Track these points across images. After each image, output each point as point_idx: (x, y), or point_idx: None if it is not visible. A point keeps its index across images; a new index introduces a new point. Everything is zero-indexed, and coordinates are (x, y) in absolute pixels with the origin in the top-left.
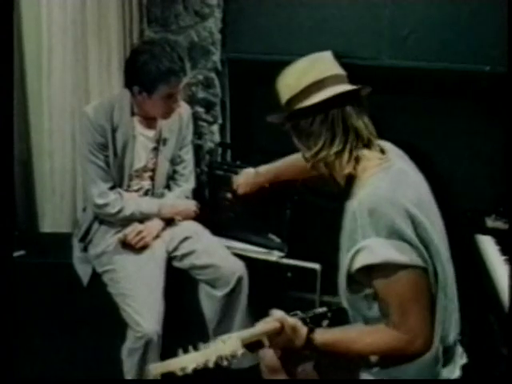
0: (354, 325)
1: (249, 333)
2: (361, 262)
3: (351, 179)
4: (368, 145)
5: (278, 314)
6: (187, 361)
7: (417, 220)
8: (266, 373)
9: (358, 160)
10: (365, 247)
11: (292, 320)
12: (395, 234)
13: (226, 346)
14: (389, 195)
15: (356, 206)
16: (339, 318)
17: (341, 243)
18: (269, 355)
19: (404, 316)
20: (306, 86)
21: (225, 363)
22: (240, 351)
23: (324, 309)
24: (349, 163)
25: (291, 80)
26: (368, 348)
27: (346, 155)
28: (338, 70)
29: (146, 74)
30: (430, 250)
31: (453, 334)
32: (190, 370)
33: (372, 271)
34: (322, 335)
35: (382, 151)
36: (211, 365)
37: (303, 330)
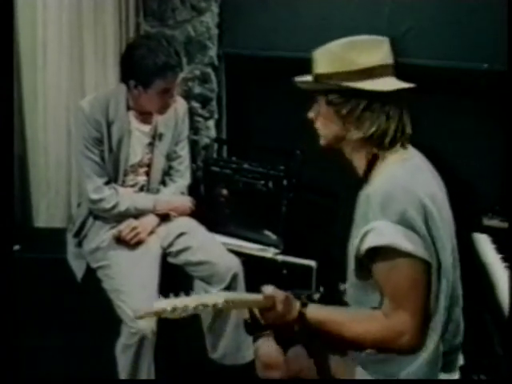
0: (348, 307)
1: (234, 295)
2: (368, 243)
3: (369, 170)
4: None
5: (268, 289)
6: (167, 303)
7: (428, 211)
8: (261, 369)
9: (378, 152)
10: (373, 229)
11: (284, 293)
12: (405, 222)
13: (208, 296)
14: (404, 183)
15: (371, 190)
16: (332, 296)
17: (352, 232)
18: (263, 351)
19: (396, 307)
20: (370, 66)
21: (203, 310)
22: (221, 301)
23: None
24: (368, 153)
25: (350, 53)
26: (358, 333)
27: (367, 146)
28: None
29: (143, 68)
30: (437, 245)
31: (458, 339)
32: (168, 311)
33: (376, 254)
34: (315, 311)
35: (403, 146)
36: (191, 310)
37: (296, 303)
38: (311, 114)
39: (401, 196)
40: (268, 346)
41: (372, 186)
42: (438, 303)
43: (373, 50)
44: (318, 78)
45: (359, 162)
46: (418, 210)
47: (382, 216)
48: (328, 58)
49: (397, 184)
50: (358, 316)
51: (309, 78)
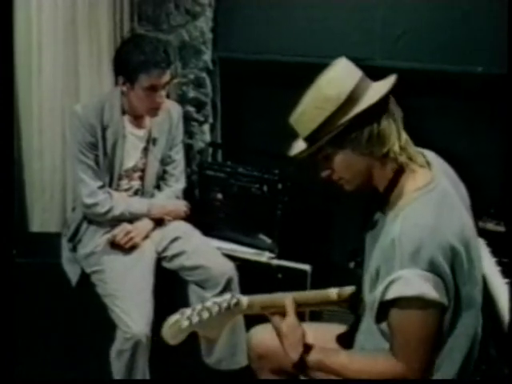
0: (348, 350)
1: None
2: (394, 292)
3: (391, 190)
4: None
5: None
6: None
7: (456, 253)
8: (254, 359)
9: (401, 169)
10: (400, 277)
11: (294, 317)
12: (433, 268)
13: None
14: (432, 225)
15: (397, 233)
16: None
17: (365, 270)
18: (255, 341)
19: (405, 352)
20: (353, 88)
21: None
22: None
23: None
24: (391, 170)
25: (326, 93)
26: (360, 375)
27: (389, 161)
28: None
29: (128, 63)
30: (459, 283)
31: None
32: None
33: (400, 301)
34: (316, 354)
35: (428, 163)
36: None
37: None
38: (325, 173)
39: (430, 242)
40: (260, 336)
41: (398, 227)
42: (458, 341)
43: (344, 78)
44: (315, 133)
45: (383, 179)
46: (445, 254)
47: (410, 264)
48: (312, 111)
49: (425, 227)
50: (359, 360)
51: (301, 144)
